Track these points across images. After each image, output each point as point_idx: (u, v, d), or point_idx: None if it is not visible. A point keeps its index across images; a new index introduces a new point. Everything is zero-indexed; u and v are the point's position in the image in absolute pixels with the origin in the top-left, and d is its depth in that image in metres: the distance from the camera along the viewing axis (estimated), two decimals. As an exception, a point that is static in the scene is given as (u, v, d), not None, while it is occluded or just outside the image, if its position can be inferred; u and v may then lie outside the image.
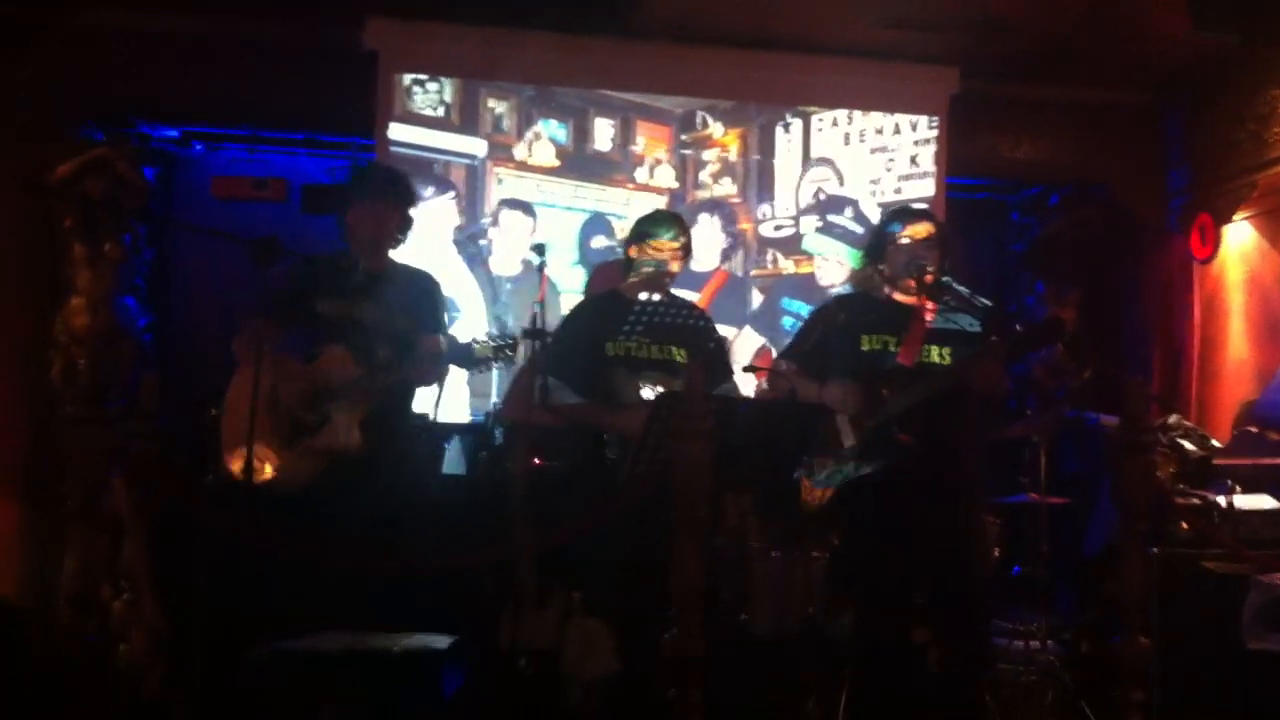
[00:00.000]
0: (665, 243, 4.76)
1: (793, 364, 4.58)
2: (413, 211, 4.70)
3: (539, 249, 4.58)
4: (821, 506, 4.34)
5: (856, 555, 4.57)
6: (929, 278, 4.37)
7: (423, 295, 4.65)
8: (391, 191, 4.63)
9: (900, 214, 4.65)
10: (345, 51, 6.33)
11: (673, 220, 4.90)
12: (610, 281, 5.61)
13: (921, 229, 4.47)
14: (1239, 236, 6.75)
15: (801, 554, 4.85)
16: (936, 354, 4.32)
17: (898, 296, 4.48)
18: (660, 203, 6.67)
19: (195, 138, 6.98)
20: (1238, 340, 6.69)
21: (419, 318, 4.53)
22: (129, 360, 6.01)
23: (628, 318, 4.76)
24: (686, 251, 4.92)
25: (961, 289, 4.37)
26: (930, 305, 4.37)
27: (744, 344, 6.67)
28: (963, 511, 4.30)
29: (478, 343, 4.39)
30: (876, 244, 4.60)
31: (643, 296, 4.79)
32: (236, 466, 4.22)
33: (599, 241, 6.58)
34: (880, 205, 6.83)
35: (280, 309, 4.41)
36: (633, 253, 4.93)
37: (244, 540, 3.78)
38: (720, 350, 5.00)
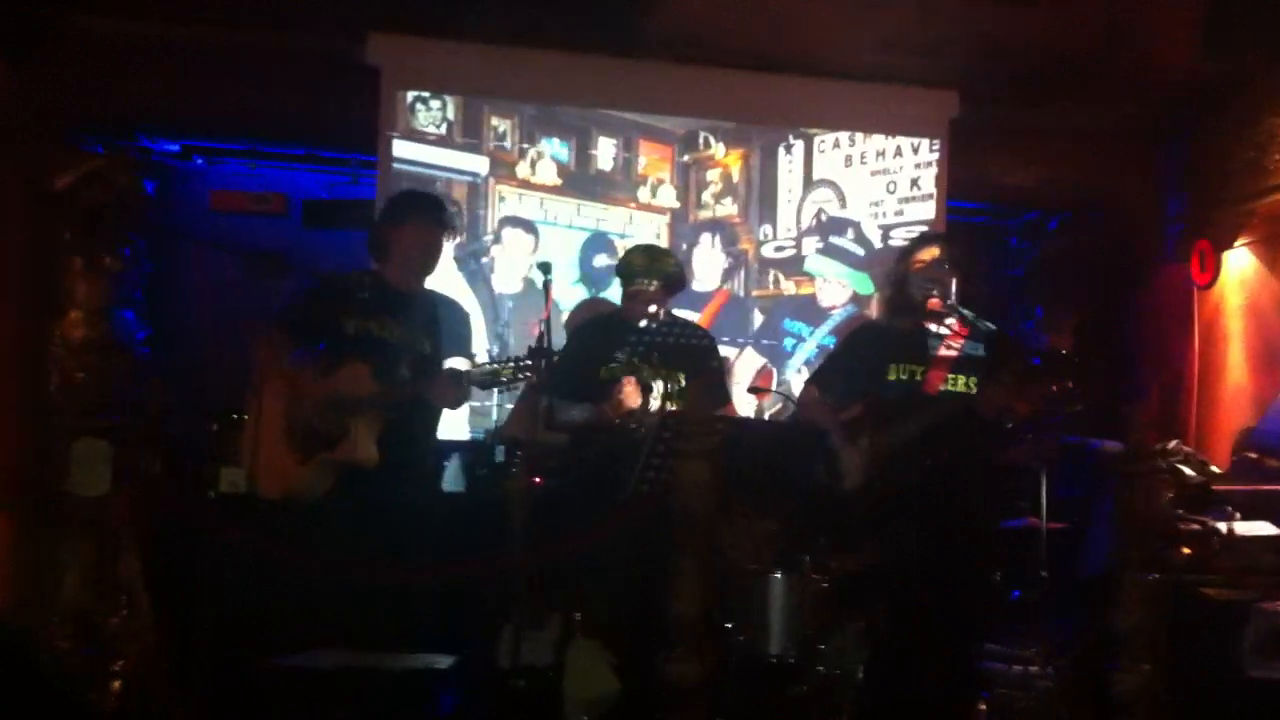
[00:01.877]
0: (643, 286, 4.77)
1: (818, 392, 4.62)
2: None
3: (544, 267, 4.54)
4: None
5: (869, 573, 4.59)
6: (933, 303, 4.39)
7: (451, 322, 4.64)
8: (446, 219, 4.64)
9: (913, 240, 4.71)
10: (347, 67, 6.31)
11: (651, 261, 4.86)
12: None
13: (930, 252, 4.50)
14: (1238, 263, 6.75)
15: (800, 575, 4.82)
16: (963, 383, 4.35)
17: (925, 323, 4.50)
18: (662, 222, 6.67)
19: (195, 151, 6.97)
20: (1236, 367, 6.69)
21: (445, 343, 4.53)
22: (126, 373, 5.99)
23: (628, 339, 4.76)
24: (670, 286, 4.88)
25: (967, 313, 4.39)
26: (956, 330, 4.40)
27: (745, 364, 6.66)
28: (972, 532, 4.33)
29: (498, 364, 4.35)
30: (899, 271, 4.63)
31: (644, 322, 4.81)
32: (256, 475, 4.21)
33: (600, 260, 6.57)
34: (881, 227, 6.85)
35: (299, 323, 4.41)
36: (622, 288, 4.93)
37: (249, 553, 3.77)
38: (720, 372, 5.00)
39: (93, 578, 3.38)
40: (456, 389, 4.38)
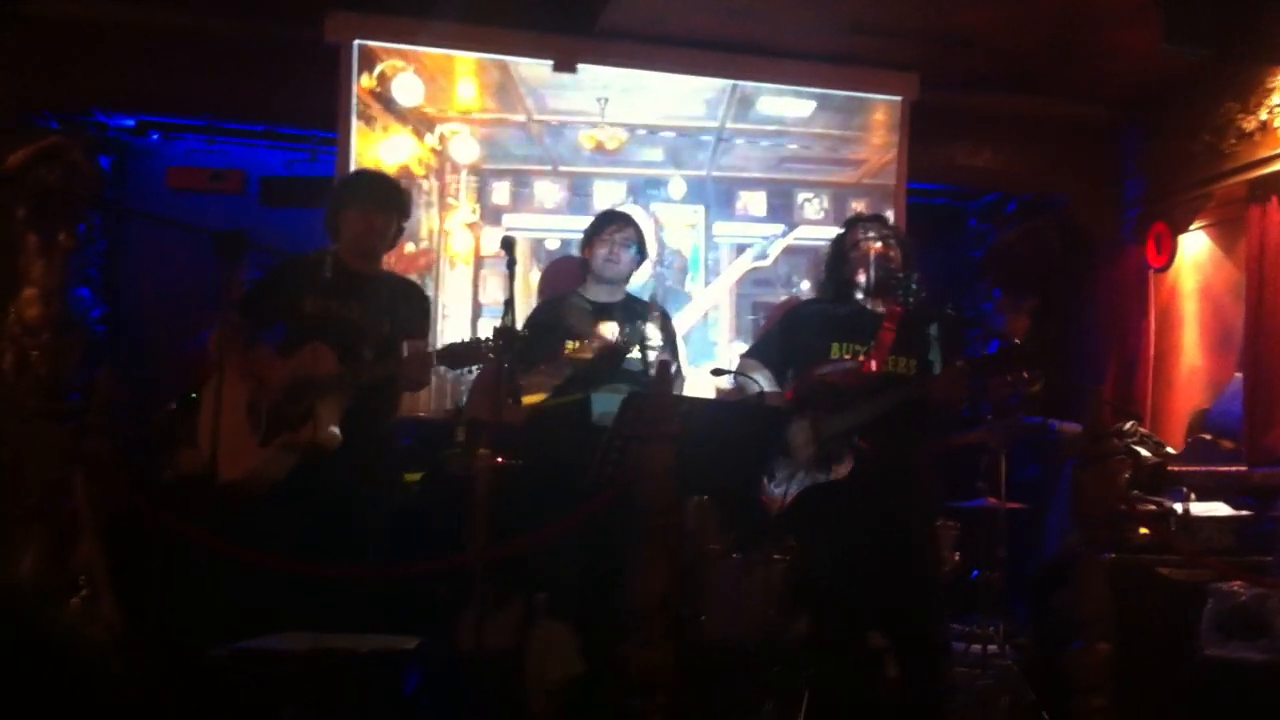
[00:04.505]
0: (617, 240, 4.81)
1: (760, 365, 4.56)
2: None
3: (508, 245, 4.43)
4: (783, 509, 4.30)
5: (813, 560, 4.55)
6: (894, 281, 4.36)
7: (410, 303, 4.62)
8: (392, 201, 4.60)
9: (855, 221, 4.65)
10: (307, 44, 6.24)
11: (625, 218, 4.94)
12: (562, 278, 5.62)
13: (875, 233, 4.47)
14: (1194, 246, 6.82)
15: (760, 557, 4.84)
16: (904, 364, 4.30)
17: (866, 303, 4.46)
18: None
19: (152, 127, 6.88)
20: (1191, 349, 6.76)
21: (405, 324, 4.50)
22: (82, 353, 5.90)
23: (593, 314, 4.80)
24: (640, 249, 4.96)
25: (923, 294, 4.36)
26: (898, 312, 4.36)
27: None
28: (917, 518, 4.31)
29: (465, 342, 4.31)
30: (836, 252, 4.58)
31: (603, 298, 4.84)
32: (213, 457, 4.17)
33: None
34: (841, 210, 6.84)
35: (258, 305, 4.41)
36: (587, 254, 4.95)
37: (199, 540, 3.73)
38: (672, 347, 5.03)
39: (51, 559, 3.33)
40: (424, 368, 4.36)
